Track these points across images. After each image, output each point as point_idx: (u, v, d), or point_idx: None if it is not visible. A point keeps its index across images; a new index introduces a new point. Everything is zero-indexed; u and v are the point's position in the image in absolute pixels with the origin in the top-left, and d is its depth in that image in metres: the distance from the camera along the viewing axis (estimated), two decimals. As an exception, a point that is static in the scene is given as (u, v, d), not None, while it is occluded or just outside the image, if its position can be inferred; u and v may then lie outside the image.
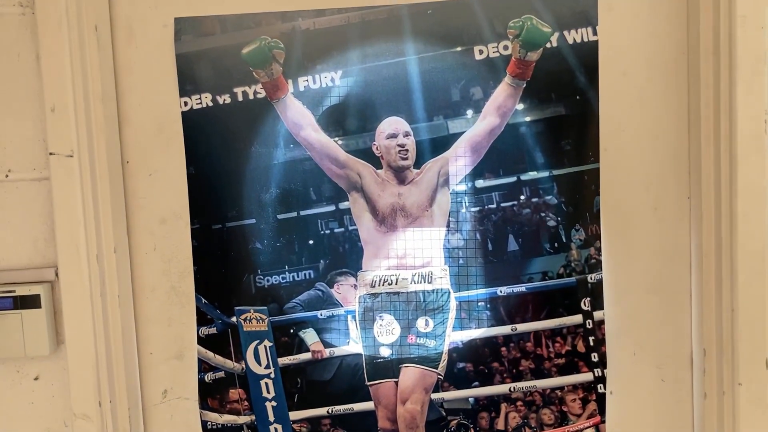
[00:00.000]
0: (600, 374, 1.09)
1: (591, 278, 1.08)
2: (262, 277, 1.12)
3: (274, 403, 1.13)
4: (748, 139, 0.97)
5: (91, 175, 1.06)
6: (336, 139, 1.09)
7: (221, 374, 1.15)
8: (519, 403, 1.10)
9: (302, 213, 1.11)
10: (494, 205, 1.08)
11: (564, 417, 1.10)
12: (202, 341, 1.14)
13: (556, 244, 1.08)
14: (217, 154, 1.11)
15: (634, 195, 1.07)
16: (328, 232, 1.11)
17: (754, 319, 0.98)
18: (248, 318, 1.13)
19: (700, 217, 1.04)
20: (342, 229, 1.11)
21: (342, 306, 1.12)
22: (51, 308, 1.08)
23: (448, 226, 1.09)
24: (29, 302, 1.06)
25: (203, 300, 1.13)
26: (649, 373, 1.09)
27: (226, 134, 1.10)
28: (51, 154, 1.05)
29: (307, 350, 1.13)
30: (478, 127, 1.07)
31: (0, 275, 1.08)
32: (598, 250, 1.07)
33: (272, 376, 1.13)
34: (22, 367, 1.10)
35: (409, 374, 1.11)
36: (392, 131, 1.08)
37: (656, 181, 1.07)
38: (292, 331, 1.13)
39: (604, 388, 1.09)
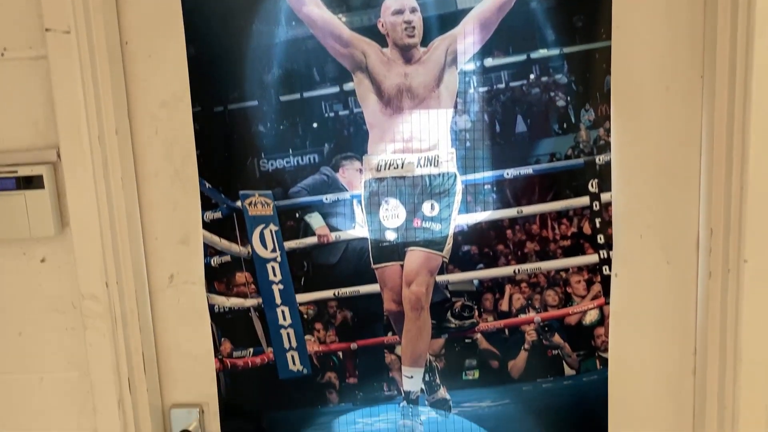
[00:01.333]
0: (605, 256, 1.09)
1: (599, 160, 1.07)
2: (266, 161, 1.11)
3: (280, 286, 1.14)
4: (767, 12, 0.94)
5: (90, 54, 1.04)
6: (340, 15, 1.05)
7: (227, 258, 1.15)
8: (523, 284, 1.11)
9: (305, 95, 1.09)
10: (503, 85, 1.06)
11: (568, 298, 1.10)
12: (207, 226, 1.14)
13: (564, 125, 1.06)
14: (218, 34, 1.08)
15: (646, 74, 1.05)
16: (332, 114, 1.09)
17: (763, 196, 0.97)
18: (253, 202, 1.12)
19: (713, 96, 1.01)
20: (347, 112, 1.09)
21: (347, 190, 1.11)
22: (54, 189, 1.07)
23: (455, 107, 1.07)
24: (32, 183, 1.06)
25: (207, 184, 1.12)
26: (654, 256, 1.09)
27: (226, 12, 1.07)
28: (47, 30, 1.02)
29: (313, 234, 1.13)
30: (488, 2, 1.03)
31: (1, 156, 1.07)
32: (608, 131, 1.06)
33: (278, 259, 1.13)
34: (29, 249, 1.11)
35: (415, 257, 1.12)
36: (398, 7, 1.05)
37: (669, 59, 1.04)
38: (297, 215, 1.13)
39: (609, 270, 1.09)
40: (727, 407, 1.05)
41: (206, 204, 1.13)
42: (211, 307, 1.16)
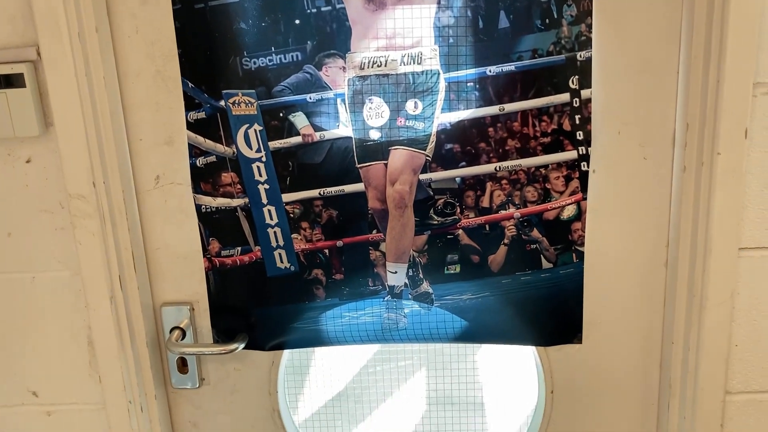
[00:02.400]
0: (584, 152, 1.11)
1: (580, 56, 1.08)
2: (248, 59, 1.10)
3: (266, 186, 1.16)
4: None
5: (64, -53, 1.01)
6: None
7: (212, 159, 1.16)
8: (504, 181, 1.13)
9: (287, -10, 1.07)
10: (485, -20, 1.05)
11: (547, 194, 1.14)
12: (192, 126, 1.14)
13: (547, 21, 1.06)
14: (196, -73, 1.05)
15: (628, -32, 1.04)
16: (314, 10, 1.08)
17: (737, 90, 0.99)
18: (237, 102, 1.12)
19: (695, -10, 1.02)
20: (329, 8, 1.08)
21: (331, 89, 1.12)
22: (36, 89, 1.07)
23: (438, 2, 1.06)
24: (13, 81, 1.05)
25: (190, 84, 1.12)
26: (631, 152, 1.12)
27: None
28: None
29: (298, 134, 1.14)
30: None
31: (-21, 55, 1.05)
32: (589, 26, 1.06)
33: (263, 159, 1.15)
34: (13, 150, 1.11)
35: (398, 156, 1.14)
36: None
37: (652, -48, 1.04)
38: (281, 114, 1.13)
39: (588, 167, 1.12)
40: (696, 295, 1.11)
41: (189, 104, 1.13)
42: (198, 207, 1.18)
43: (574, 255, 1.17)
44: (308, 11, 1.08)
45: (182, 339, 1.23)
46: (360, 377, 3.55)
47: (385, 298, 1.21)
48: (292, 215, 1.17)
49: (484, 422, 2.73)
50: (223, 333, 1.25)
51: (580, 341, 1.21)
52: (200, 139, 1.14)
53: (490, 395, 3.28)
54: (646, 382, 1.22)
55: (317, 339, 1.24)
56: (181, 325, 1.23)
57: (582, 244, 1.16)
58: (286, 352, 1.28)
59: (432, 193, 1.15)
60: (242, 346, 1.21)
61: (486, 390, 3.35)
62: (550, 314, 1.20)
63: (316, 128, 1.13)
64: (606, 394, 1.23)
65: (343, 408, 3.27)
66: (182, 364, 1.27)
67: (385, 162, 1.14)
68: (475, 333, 1.22)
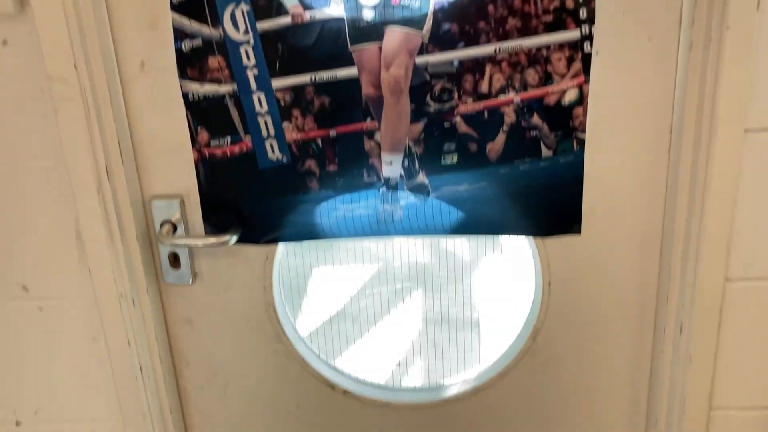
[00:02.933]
0: (587, 32, 1.07)
1: (586, -75, 1.01)
2: (234, -67, 1.04)
3: (255, 71, 1.11)
4: None
5: None
6: None
7: (198, 42, 1.11)
8: (504, 64, 1.09)
9: None
10: None
11: (548, 77, 1.09)
12: (176, 8, 1.09)
13: None
14: None
15: None
16: None
17: (752, -44, 0.94)
18: (222, -21, 1.06)
19: None
20: None
21: (321, -35, 1.06)
22: (8, -39, 1.00)
23: None
24: (-17, -47, 0.98)
25: (172, -40, 1.06)
26: (636, 31, 1.07)
27: None
28: None
29: (287, 13, 1.08)
30: None
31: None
32: None
33: (251, 42, 1.10)
34: (-12, 31, 1.05)
35: (393, 37, 1.09)
36: None
37: None
38: (269, -7, 1.07)
39: (591, 47, 1.07)
40: (699, 180, 1.08)
41: (173, -17, 1.07)
42: (185, 95, 1.14)
43: (574, 142, 1.13)
44: None
45: (173, 233, 1.20)
46: (357, 299, 3.57)
47: (381, 190, 1.18)
48: (282, 103, 1.13)
49: (480, 339, 2.75)
50: (215, 227, 1.22)
51: (578, 232, 1.19)
52: (185, 20, 1.09)
53: (484, 314, 3.31)
54: (645, 272, 1.21)
55: (312, 232, 1.22)
56: (172, 220, 1.21)
57: (583, 131, 1.12)
58: (281, 247, 1.26)
59: (428, 77, 1.10)
60: (235, 238, 1.19)
61: (481, 310, 3.37)
62: (548, 204, 1.18)
63: (306, 7, 1.07)
64: (604, 285, 1.22)
65: (341, 327, 3.30)
66: (174, 260, 1.25)
67: (380, 44, 1.09)
68: (472, 224, 1.20)
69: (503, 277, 3.60)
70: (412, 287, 3.63)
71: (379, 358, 2.94)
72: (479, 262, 3.76)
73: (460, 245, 3.85)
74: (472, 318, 3.26)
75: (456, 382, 1.36)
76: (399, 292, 3.59)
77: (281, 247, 1.26)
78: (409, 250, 3.76)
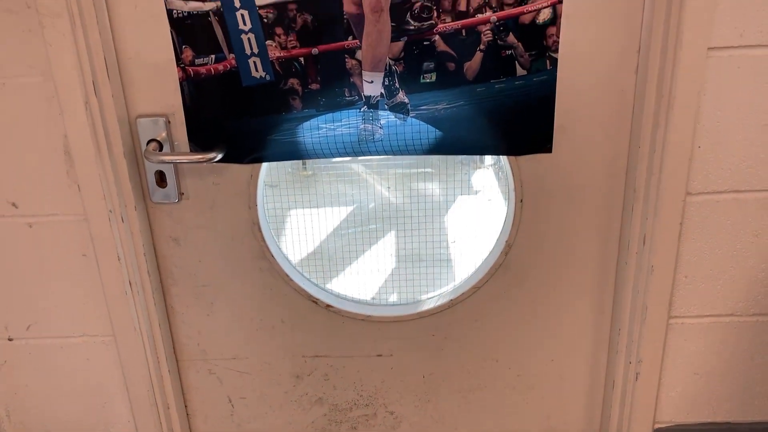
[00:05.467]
0: (562, -48, 1.10)
1: None
2: None
3: (239, -12, 1.13)
4: None
5: None
6: None
7: (182, -41, 1.12)
8: (481, -17, 1.12)
9: None
10: None
11: (524, -3, 1.13)
12: (159, -77, 1.10)
13: None
14: None
15: None
16: None
17: None
18: None
19: None
20: None
21: None
22: None
23: None
24: None
25: None
26: (608, -48, 1.11)
27: None
28: None
29: (270, -70, 1.10)
30: None
31: None
32: None
33: (235, -41, 1.11)
34: (-29, -58, 1.05)
35: (374, -45, 1.11)
36: None
37: None
38: None
39: (564, -33, 1.11)
40: (664, 96, 1.14)
41: None
42: (169, 12, 1.15)
43: (548, 62, 1.18)
44: None
45: (160, 152, 1.23)
46: (332, 238, 3.63)
47: (362, 109, 1.22)
48: (266, 20, 1.15)
49: (451, 274, 2.83)
50: (200, 147, 1.26)
51: (550, 151, 1.25)
52: (168, -64, 1.10)
53: (456, 251, 3.39)
54: (612, 188, 1.27)
55: (295, 152, 1.26)
56: (158, 138, 1.24)
57: (556, 51, 1.17)
58: (264, 166, 1.30)
59: (408, -5, 1.13)
60: (220, 156, 1.22)
61: (452, 248, 3.46)
62: (522, 123, 1.23)
63: (290, -75, 1.09)
64: (574, 202, 1.29)
65: (317, 265, 3.37)
66: (160, 178, 1.28)
67: (361, -37, 1.11)
68: (449, 143, 1.25)
69: (473, 218, 3.69)
70: (385, 228, 3.70)
71: (354, 293, 3.03)
72: (449, 204, 3.85)
73: (431, 188, 3.92)
74: (442, 256, 3.36)
75: (432, 296, 1.43)
76: (373, 232, 3.67)
77: (265, 166, 1.30)
78: (384, 193, 3.83)
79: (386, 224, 3.82)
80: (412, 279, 3.11)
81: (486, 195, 4.08)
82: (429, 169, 4.19)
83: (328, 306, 1.40)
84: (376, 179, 4.19)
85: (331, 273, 3.21)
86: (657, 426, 1.40)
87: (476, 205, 3.93)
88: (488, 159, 4.28)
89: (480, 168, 4.46)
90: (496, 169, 4.33)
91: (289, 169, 3.90)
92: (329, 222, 3.70)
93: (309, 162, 3.94)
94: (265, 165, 1.30)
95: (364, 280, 3.12)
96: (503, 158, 1.29)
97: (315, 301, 1.40)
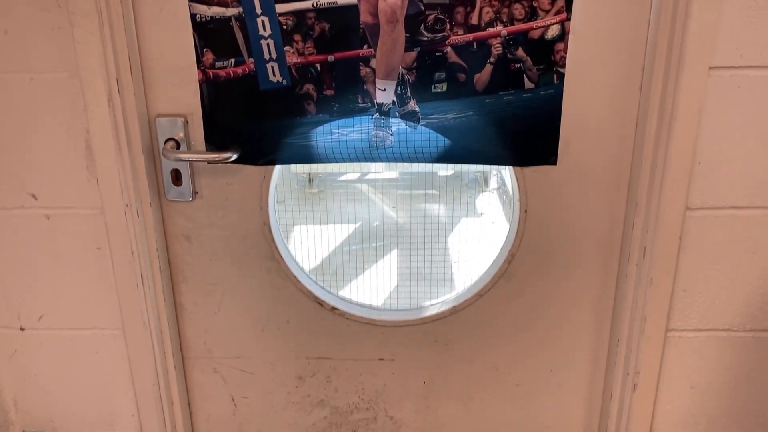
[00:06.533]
0: (571, -29, 1.15)
1: None
2: None
3: (261, -4, 1.18)
4: None
5: None
6: None
7: (208, -34, 1.17)
8: (493, -2, 1.17)
9: None
10: None
11: (533, 12, 1.18)
12: (188, -69, 1.15)
13: None
14: None
15: None
16: None
17: None
18: None
19: None
20: None
21: None
22: None
23: None
24: None
25: None
26: (616, -27, 1.15)
27: None
28: None
29: (293, -59, 1.15)
30: None
31: None
32: None
33: (259, -33, 1.16)
34: (9, -58, 1.11)
35: (392, -32, 1.16)
36: None
37: None
38: None
39: (573, -14, 1.16)
40: (666, 112, 1.18)
41: None
42: (193, 16, 1.20)
43: (555, 76, 1.22)
44: None
45: (177, 150, 1.27)
46: (335, 254, 3.66)
47: (374, 116, 1.26)
48: (285, 27, 1.20)
49: (454, 292, 2.83)
50: (216, 147, 1.30)
51: (555, 163, 1.29)
52: (196, -56, 1.15)
53: (458, 271, 3.42)
54: (614, 201, 1.31)
55: (307, 155, 1.30)
56: (176, 137, 1.28)
57: (563, 66, 1.21)
58: (277, 168, 1.34)
59: (423, 7, 1.18)
60: (236, 155, 1.26)
61: (455, 267, 3.48)
62: (528, 135, 1.27)
63: (312, -63, 1.14)
64: (576, 214, 1.32)
65: (319, 280, 3.39)
66: (176, 177, 1.32)
67: (379, -25, 1.16)
68: (457, 153, 1.29)
69: (476, 239, 3.72)
70: (389, 246, 3.73)
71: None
72: (454, 226, 3.88)
73: (436, 209, 3.96)
74: (446, 275, 3.38)
75: (436, 303, 1.46)
76: (376, 250, 3.69)
77: (278, 169, 1.34)
78: (389, 213, 3.87)
79: (390, 242, 3.85)
80: (416, 297, 3.13)
81: (490, 217, 4.12)
82: (434, 191, 4.24)
83: (334, 308, 1.43)
84: (382, 198, 4.24)
85: (337, 286, 3.23)
86: (653, 439, 1.42)
87: (480, 227, 3.97)
88: (493, 183, 4.32)
89: (485, 191, 4.50)
90: (501, 192, 4.37)
91: (296, 186, 3.95)
92: (334, 238, 3.73)
93: (315, 180, 3.99)
94: (277, 167, 1.34)
95: (367, 296, 3.15)
96: (508, 172, 1.32)
97: (321, 303, 1.43)
